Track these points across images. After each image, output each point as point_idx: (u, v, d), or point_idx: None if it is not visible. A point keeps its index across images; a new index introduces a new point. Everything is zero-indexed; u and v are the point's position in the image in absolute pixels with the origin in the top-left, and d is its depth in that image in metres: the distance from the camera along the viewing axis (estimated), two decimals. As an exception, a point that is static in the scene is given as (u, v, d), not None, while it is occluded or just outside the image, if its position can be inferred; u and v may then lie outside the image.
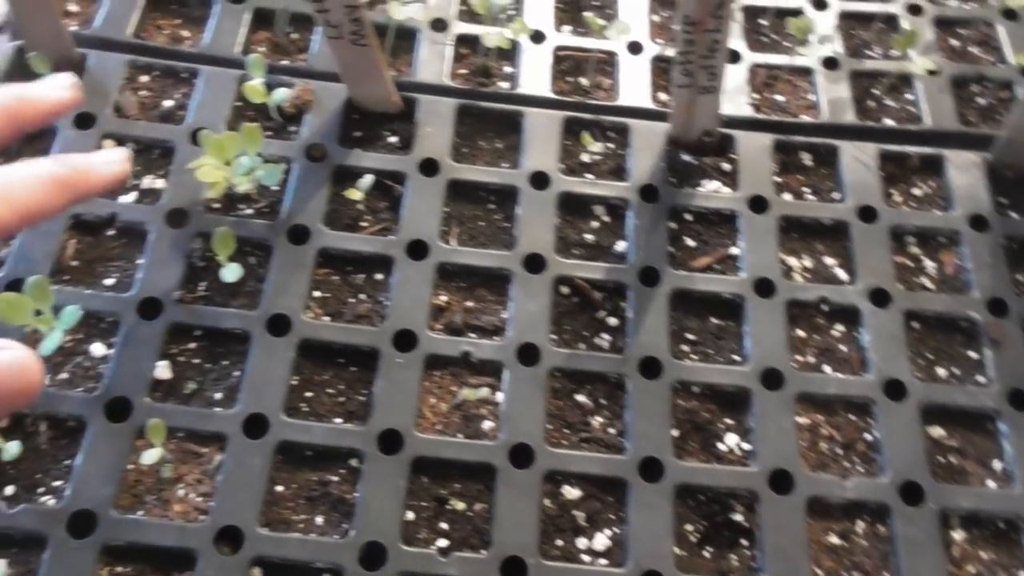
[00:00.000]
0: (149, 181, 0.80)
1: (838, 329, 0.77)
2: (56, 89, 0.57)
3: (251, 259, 0.77)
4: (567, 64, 0.91)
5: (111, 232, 0.77)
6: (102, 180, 0.55)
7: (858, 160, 0.84)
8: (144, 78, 0.86)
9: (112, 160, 0.57)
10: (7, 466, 0.67)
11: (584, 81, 0.90)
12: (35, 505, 0.65)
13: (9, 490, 0.66)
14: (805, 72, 0.91)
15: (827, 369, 0.75)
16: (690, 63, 0.77)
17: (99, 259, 0.76)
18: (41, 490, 0.66)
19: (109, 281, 0.75)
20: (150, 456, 0.66)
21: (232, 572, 0.63)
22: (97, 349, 0.72)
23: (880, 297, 0.78)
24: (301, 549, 0.65)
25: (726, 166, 0.84)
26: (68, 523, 0.64)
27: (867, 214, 0.82)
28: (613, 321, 0.77)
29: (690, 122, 0.83)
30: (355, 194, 0.80)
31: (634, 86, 0.89)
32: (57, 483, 0.67)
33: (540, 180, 0.82)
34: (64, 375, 0.71)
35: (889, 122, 0.88)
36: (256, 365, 0.71)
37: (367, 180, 0.80)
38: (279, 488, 0.68)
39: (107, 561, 0.64)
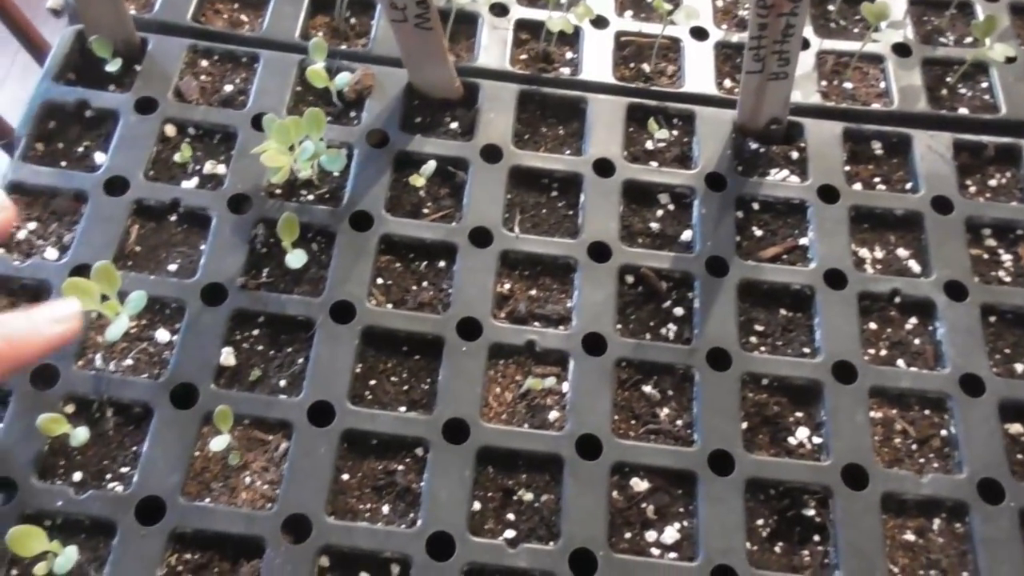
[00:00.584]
0: (211, 166, 0.79)
1: (911, 322, 0.75)
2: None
3: (313, 245, 0.76)
4: (629, 50, 0.89)
5: (173, 218, 0.77)
6: (43, 347, 0.51)
7: (932, 150, 0.82)
8: (204, 63, 0.85)
9: (59, 318, 0.52)
10: (74, 452, 0.67)
11: (646, 67, 0.88)
12: (103, 491, 0.65)
13: (77, 476, 0.66)
14: (875, 59, 0.88)
15: (900, 363, 0.73)
16: (762, 48, 0.75)
17: (162, 245, 0.76)
18: (108, 476, 0.66)
19: (172, 267, 0.75)
20: (218, 443, 0.65)
21: (300, 561, 0.63)
22: (162, 335, 0.72)
23: (955, 290, 0.76)
24: (369, 538, 0.64)
25: (794, 154, 0.83)
26: (136, 510, 0.64)
27: (941, 205, 0.80)
28: (679, 311, 0.75)
29: (758, 109, 0.81)
30: (418, 180, 0.79)
31: (698, 72, 0.87)
32: (124, 470, 0.67)
33: (604, 167, 0.81)
34: (129, 361, 0.70)
35: (963, 111, 0.86)
36: (321, 353, 0.71)
37: (430, 166, 0.79)
38: (345, 477, 0.67)
39: (175, 548, 0.64)
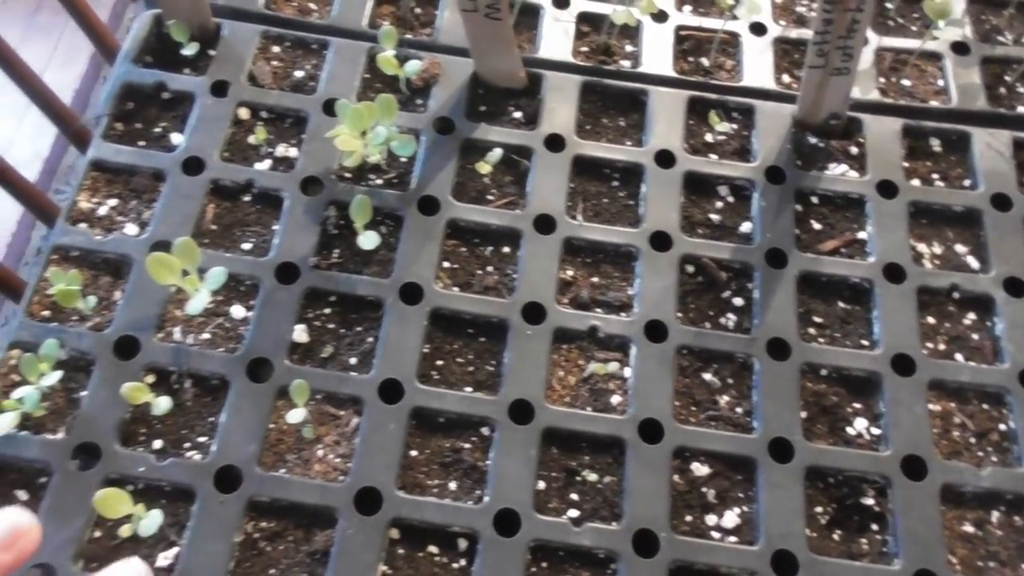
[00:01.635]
0: (283, 149, 0.81)
1: (970, 318, 0.76)
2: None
3: (382, 228, 0.78)
4: (688, 44, 0.91)
5: (247, 198, 0.79)
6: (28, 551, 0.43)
7: (991, 147, 0.83)
8: (276, 48, 0.87)
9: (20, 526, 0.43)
10: (154, 421, 0.69)
11: (705, 61, 0.89)
12: (182, 459, 0.68)
13: (157, 444, 0.68)
14: (934, 57, 0.89)
15: (959, 357, 0.74)
16: (826, 43, 0.76)
17: (236, 224, 0.78)
18: (187, 445, 0.69)
19: (246, 245, 0.77)
20: (295, 416, 0.68)
21: (371, 532, 0.65)
22: (237, 311, 0.74)
23: (1015, 286, 0.77)
24: (438, 513, 0.66)
25: (853, 149, 0.84)
26: (215, 477, 0.67)
27: (1001, 202, 0.81)
28: (738, 301, 0.77)
29: (819, 104, 0.82)
30: (484, 167, 0.80)
31: (758, 67, 0.88)
32: (202, 439, 0.69)
33: (665, 158, 0.82)
34: (206, 335, 0.73)
35: (1022, 109, 0.86)
36: (390, 332, 0.73)
37: (496, 153, 0.81)
38: (413, 453, 0.69)
39: (252, 516, 0.66)
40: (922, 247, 0.80)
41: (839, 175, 0.82)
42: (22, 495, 0.67)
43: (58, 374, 0.69)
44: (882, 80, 0.88)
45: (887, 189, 0.81)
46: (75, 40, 1.78)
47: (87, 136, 1.10)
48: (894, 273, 0.77)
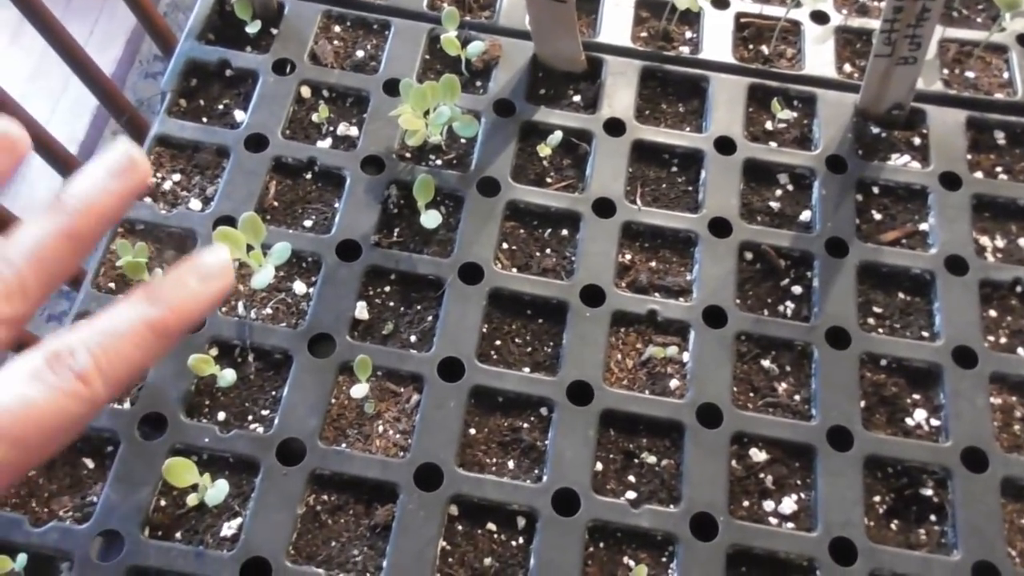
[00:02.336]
0: (344, 128, 0.82)
1: (1032, 312, 0.76)
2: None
3: (442, 208, 0.78)
4: (749, 31, 0.90)
5: (309, 175, 0.80)
6: (208, 306, 0.42)
7: (1057, 140, 0.82)
8: (337, 28, 0.88)
9: (212, 274, 0.42)
10: (218, 393, 0.70)
11: (765, 49, 0.89)
12: (246, 431, 0.68)
13: (221, 416, 0.69)
14: (999, 49, 0.88)
15: (1021, 351, 0.74)
16: (894, 31, 0.75)
17: (298, 201, 0.79)
18: (250, 418, 0.70)
19: (308, 223, 0.78)
20: (358, 391, 0.68)
21: (431, 508, 0.66)
22: (299, 287, 0.75)
23: (1079, 281, 0.76)
24: (497, 490, 0.67)
25: (916, 140, 0.83)
26: (277, 450, 0.68)
27: (1066, 196, 0.80)
28: (797, 289, 0.77)
29: (883, 94, 0.81)
30: (544, 149, 0.81)
31: (819, 56, 0.88)
32: (265, 412, 0.70)
33: (725, 145, 0.82)
34: (269, 310, 0.74)
35: (1089, 103, 0.85)
36: (450, 311, 0.73)
37: (557, 136, 0.81)
38: (472, 431, 0.70)
39: (314, 489, 0.67)
40: (985, 240, 0.79)
41: (901, 166, 0.82)
42: (89, 463, 0.68)
43: (125, 344, 0.70)
44: (946, 72, 0.87)
45: (950, 181, 0.81)
46: (111, 25, 1.80)
47: (141, 123, 1.12)
48: (956, 265, 0.77)
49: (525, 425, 0.71)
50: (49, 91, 1.83)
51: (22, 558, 0.63)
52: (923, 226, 0.79)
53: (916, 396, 0.73)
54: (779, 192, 0.81)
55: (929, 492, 0.69)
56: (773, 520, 0.68)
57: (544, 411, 0.71)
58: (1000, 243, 0.79)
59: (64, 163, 1.01)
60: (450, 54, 0.82)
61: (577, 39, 0.83)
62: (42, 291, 0.39)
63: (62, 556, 0.64)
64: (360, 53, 0.86)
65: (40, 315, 1.60)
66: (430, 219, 0.75)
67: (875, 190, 0.81)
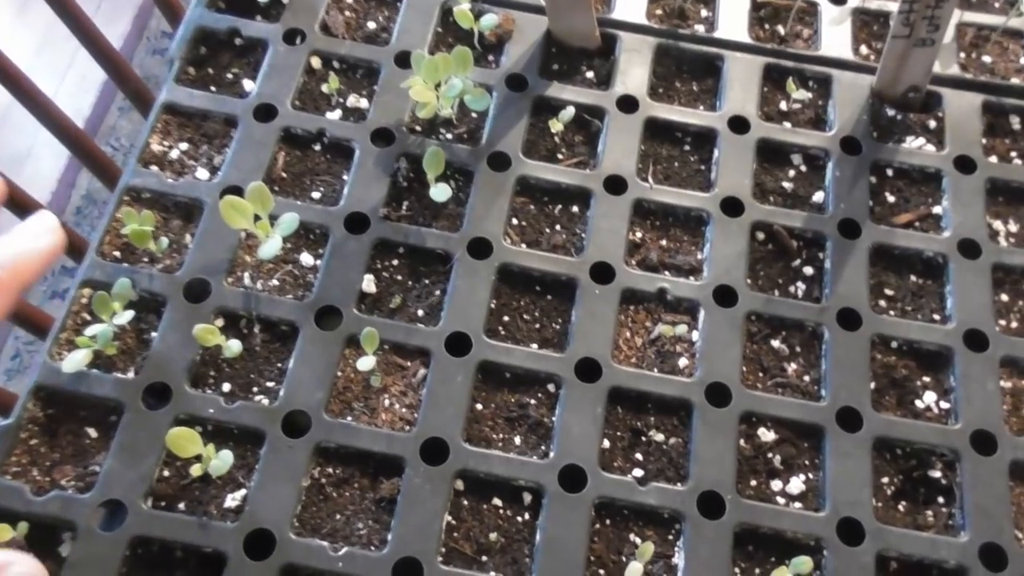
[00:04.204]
0: (354, 100, 0.81)
1: (1045, 297, 0.75)
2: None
3: (452, 182, 0.78)
4: (765, 11, 0.89)
5: (318, 147, 0.79)
6: (40, 264, 0.48)
7: (1073, 125, 0.81)
8: (348, -1, 0.87)
9: (42, 231, 0.49)
10: (224, 364, 0.70)
11: (781, 29, 0.88)
12: (251, 403, 0.68)
13: (226, 387, 0.69)
14: (1016, 35, 0.87)
15: (1033, 336, 0.74)
16: (913, 12, 0.75)
17: (307, 172, 0.78)
18: (255, 389, 0.69)
19: (316, 194, 0.77)
20: (364, 363, 0.68)
21: (437, 482, 0.65)
22: (306, 259, 0.74)
23: (1093, 267, 0.75)
24: (504, 466, 0.66)
25: (932, 123, 0.82)
26: (283, 422, 0.67)
27: (1082, 182, 0.79)
28: (809, 270, 0.76)
29: (899, 76, 0.80)
30: (556, 125, 0.80)
31: (836, 37, 0.86)
32: (270, 384, 0.69)
33: (739, 124, 0.81)
34: (275, 282, 0.73)
35: (1106, 89, 0.85)
36: (458, 286, 0.73)
37: (569, 111, 0.80)
38: (479, 406, 0.69)
39: (319, 461, 0.67)
40: (998, 224, 0.78)
41: (916, 148, 0.81)
42: (92, 432, 0.68)
43: (130, 313, 0.69)
44: (962, 56, 0.86)
45: (965, 165, 0.80)
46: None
47: (147, 97, 1.11)
48: (969, 249, 0.76)
49: (532, 401, 0.70)
50: (55, 66, 1.81)
51: (23, 526, 0.63)
52: (936, 209, 0.79)
53: (926, 378, 0.72)
54: (792, 173, 0.81)
55: (938, 474, 0.68)
56: (781, 500, 0.67)
57: (552, 387, 0.70)
58: (1013, 228, 0.78)
59: (71, 137, 1.00)
60: (463, 27, 0.81)
61: (592, 15, 0.82)
62: None
63: (64, 525, 0.64)
64: (372, 24, 0.85)
65: (43, 292, 1.60)
66: (440, 192, 0.74)
67: (889, 172, 0.81)
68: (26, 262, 0.48)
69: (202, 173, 0.77)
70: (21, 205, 0.90)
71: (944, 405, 0.71)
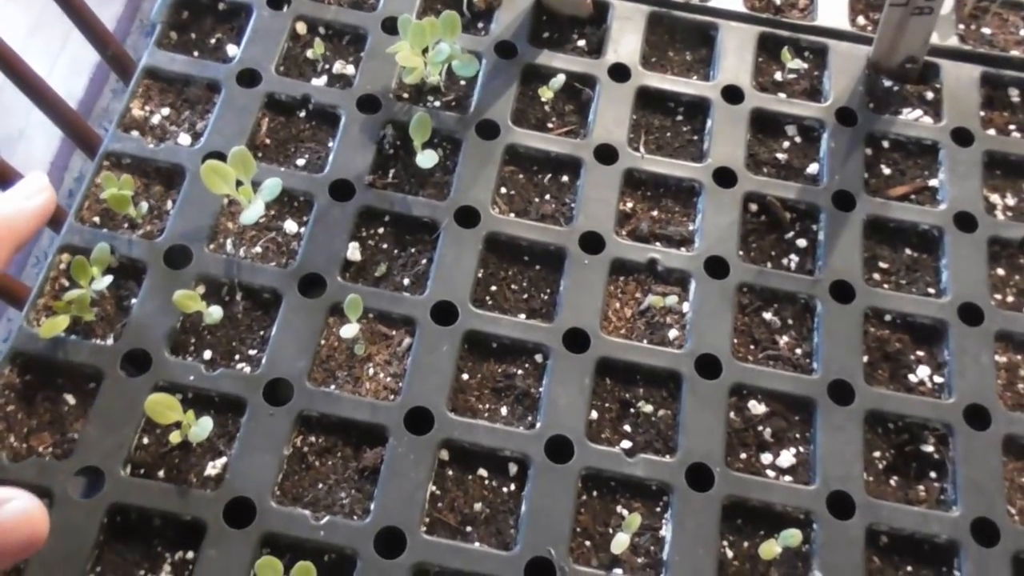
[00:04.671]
0: (340, 66, 0.79)
1: (1041, 270, 0.74)
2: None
3: (439, 150, 0.76)
4: (760, -20, 0.88)
5: (302, 113, 0.78)
6: (36, 220, 0.53)
7: (1072, 98, 0.80)
8: (335, -36, 0.85)
9: (35, 191, 0.53)
10: (204, 331, 0.68)
11: (776, -1, 0.87)
12: (232, 370, 0.67)
13: (207, 354, 0.67)
14: (1016, 7, 0.86)
15: (1028, 310, 0.72)
16: (911, -21, 0.73)
17: (291, 139, 0.76)
18: (237, 357, 0.68)
19: (300, 161, 0.75)
20: (347, 331, 0.66)
21: (421, 452, 0.64)
22: (290, 226, 0.72)
23: (1090, 241, 0.74)
24: (489, 436, 0.65)
25: (929, 95, 0.81)
26: (264, 390, 0.66)
27: (1080, 155, 0.78)
28: (802, 243, 0.75)
29: (896, 46, 0.79)
30: (547, 93, 0.78)
31: (832, 7, 0.85)
32: (252, 352, 0.68)
33: (733, 94, 0.80)
34: (258, 249, 0.71)
35: (1106, 61, 0.83)
36: (445, 254, 0.71)
37: (560, 79, 0.78)
38: (465, 376, 0.68)
39: (301, 430, 0.65)
40: (995, 197, 0.77)
41: (912, 120, 0.80)
42: (70, 399, 0.66)
43: (109, 279, 0.67)
44: (961, 27, 0.85)
45: (962, 137, 0.79)
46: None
47: (127, 62, 1.09)
48: (965, 222, 0.75)
49: (519, 372, 0.69)
50: (48, 47, 1.78)
51: (-1, 492, 0.62)
52: (933, 182, 0.77)
53: (920, 352, 0.71)
54: (786, 144, 0.79)
55: (930, 448, 0.67)
56: (771, 473, 0.66)
57: (539, 358, 0.69)
58: (1011, 201, 0.77)
59: (65, 118, 0.98)
60: (451, -8, 0.80)
61: (583, -20, 0.80)
62: None
63: (41, 492, 0.61)
64: (358, -10, 0.84)
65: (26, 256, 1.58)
66: (426, 159, 0.73)
67: (885, 144, 0.79)
68: (20, 219, 0.51)
69: (184, 139, 0.75)
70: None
71: (937, 379, 0.70)
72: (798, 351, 0.71)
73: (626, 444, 0.66)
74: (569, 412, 0.66)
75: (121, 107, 0.76)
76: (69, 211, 0.73)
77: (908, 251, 0.75)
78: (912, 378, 0.70)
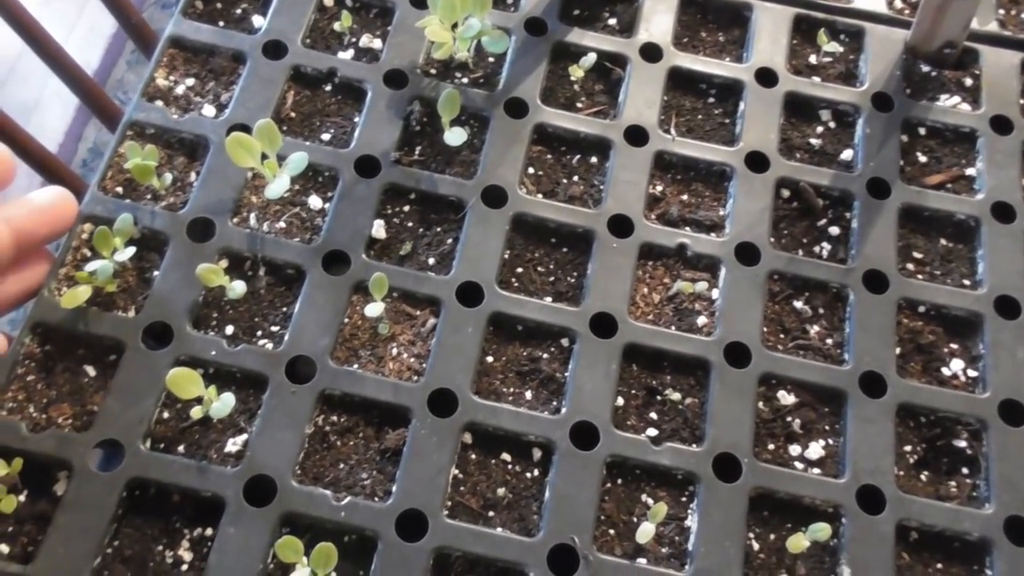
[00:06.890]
0: (367, 40, 0.78)
1: (1080, 264, 0.73)
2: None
3: (467, 128, 0.75)
4: (796, -40, 0.86)
5: (328, 87, 0.76)
6: (45, 229, 0.66)
7: (1117, 88, 0.78)
8: (363, -65, 0.84)
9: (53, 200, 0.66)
10: (227, 306, 0.67)
11: (813, -20, 0.85)
12: (254, 347, 0.66)
13: (229, 330, 0.67)
14: (1059, -10, 0.84)
15: (1066, 304, 0.71)
16: (955, -38, 0.71)
17: (316, 113, 0.75)
18: (259, 333, 0.67)
19: (326, 136, 0.74)
20: (372, 310, 0.65)
21: (445, 434, 0.63)
22: (315, 202, 0.71)
23: None
24: (513, 420, 0.64)
25: (968, 81, 0.79)
26: (287, 367, 0.65)
27: (1123, 146, 0.76)
28: (834, 230, 0.73)
29: (935, 30, 0.77)
30: (577, 72, 0.77)
31: (870, -11, 0.83)
32: (275, 328, 0.67)
33: (766, 77, 0.78)
34: (282, 224, 0.70)
35: None
36: (471, 234, 0.70)
37: (591, 58, 0.77)
38: (489, 359, 0.67)
39: (323, 409, 0.64)
40: (1034, 188, 0.76)
41: (950, 107, 0.78)
42: (90, 371, 0.66)
43: (131, 250, 0.67)
44: (1002, 12, 0.83)
45: (1001, 125, 0.77)
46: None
47: (147, 33, 1.08)
48: (1003, 212, 0.73)
49: (545, 355, 0.68)
50: (63, 17, 1.77)
51: (17, 463, 0.61)
52: (970, 171, 0.76)
53: (954, 345, 0.70)
54: (820, 129, 0.78)
55: (963, 444, 0.66)
56: (799, 465, 0.65)
57: (565, 342, 0.68)
58: (1050, 192, 0.75)
59: (82, 86, 0.97)
60: (482, -34, 0.78)
61: (616, -43, 0.78)
62: None
63: (59, 464, 0.62)
64: (387, -38, 0.82)
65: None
66: (454, 136, 0.71)
67: (921, 131, 0.77)
68: (36, 222, 0.63)
69: (208, 110, 0.74)
70: (32, 154, 0.87)
71: (972, 373, 0.68)
72: (829, 341, 0.69)
73: (652, 432, 0.65)
74: (595, 398, 0.65)
75: (145, 76, 0.75)
76: (86, 182, 0.72)
77: (943, 241, 0.73)
78: (945, 371, 0.68)
